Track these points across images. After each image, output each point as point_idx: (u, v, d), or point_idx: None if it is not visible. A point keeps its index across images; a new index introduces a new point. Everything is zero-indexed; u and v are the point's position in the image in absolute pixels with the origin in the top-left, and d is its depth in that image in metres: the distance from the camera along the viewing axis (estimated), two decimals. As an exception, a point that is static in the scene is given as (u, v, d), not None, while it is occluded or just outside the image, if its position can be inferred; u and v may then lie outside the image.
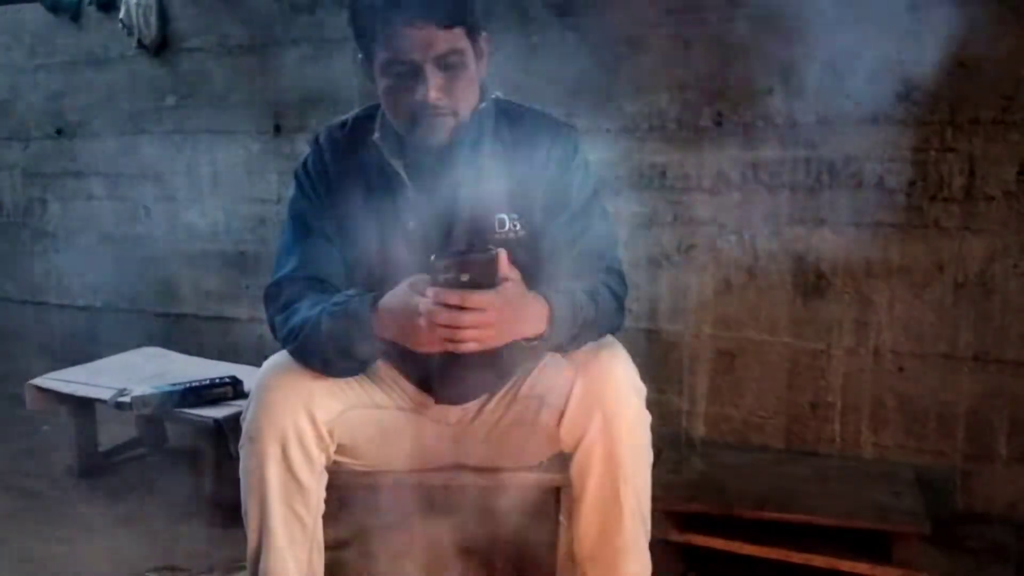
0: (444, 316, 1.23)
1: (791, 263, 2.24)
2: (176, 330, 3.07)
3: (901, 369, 2.17)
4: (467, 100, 1.46)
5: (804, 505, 1.92)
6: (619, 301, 1.51)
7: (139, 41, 3.00)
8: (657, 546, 1.59)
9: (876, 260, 2.17)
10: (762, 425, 2.32)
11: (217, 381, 2.34)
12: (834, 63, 2.16)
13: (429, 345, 1.29)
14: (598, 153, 2.34)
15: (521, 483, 1.73)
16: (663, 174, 2.33)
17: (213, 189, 2.98)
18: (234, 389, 2.32)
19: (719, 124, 2.27)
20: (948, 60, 2.06)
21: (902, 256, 2.15)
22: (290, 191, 1.57)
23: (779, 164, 2.22)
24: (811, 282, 2.23)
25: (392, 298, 1.33)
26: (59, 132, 3.23)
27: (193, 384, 2.32)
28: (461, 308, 1.23)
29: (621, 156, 2.36)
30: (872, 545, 1.82)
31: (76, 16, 3.13)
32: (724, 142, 2.26)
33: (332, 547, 1.62)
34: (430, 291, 1.24)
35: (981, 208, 2.07)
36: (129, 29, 3.00)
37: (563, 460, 1.52)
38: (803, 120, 2.19)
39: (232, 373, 2.40)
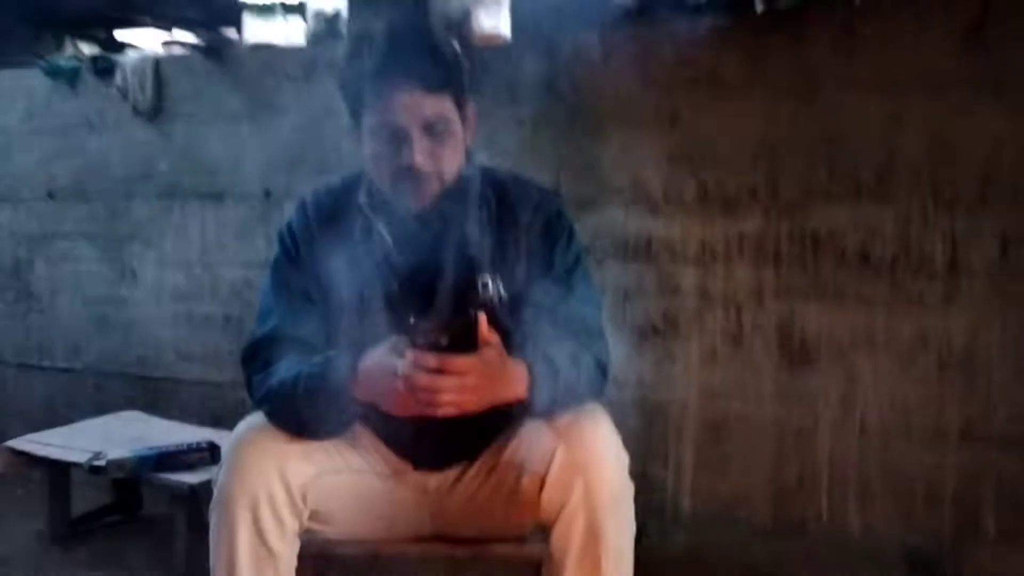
0: (423, 379, 1.21)
1: (776, 335, 2.24)
2: (157, 394, 3.03)
3: (887, 444, 2.15)
4: (452, 165, 1.48)
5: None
6: (602, 367, 1.49)
7: (134, 107, 3.04)
8: (639, 622, 1.55)
9: (861, 334, 2.17)
10: (749, 499, 2.29)
11: (194, 446, 2.31)
12: (817, 139, 2.19)
13: (407, 408, 1.27)
14: (584, 223, 2.36)
15: (501, 555, 1.69)
16: (648, 244, 2.35)
17: (201, 252, 2.98)
18: (212, 454, 2.28)
19: (703, 196, 2.29)
20: (930, 139, 2.10)
21: (887, 330, 2.15)
22: (273, 251, 1.57)
23: (763, 237, 2.24)
24: (796, 354, 2.23)
25: (371, 360, 1.32)
26: (50, 195, 3.24)
27: (170, 449, 2.29)
28: (440, 371, 1.21)
29: (606, 226, 2.38)
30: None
31: (73, 82, 3.17)
32: (708, 214, 2.28)
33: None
34: (409, 354, 1.23)
35: (964, 284, 2.08)
36: (124, 95, 3.04)
37: (545, 532, 1.49)
38: (786, 194, 2.22)
39: (211, 438, 2.36)
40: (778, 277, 2.23)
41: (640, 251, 2.36)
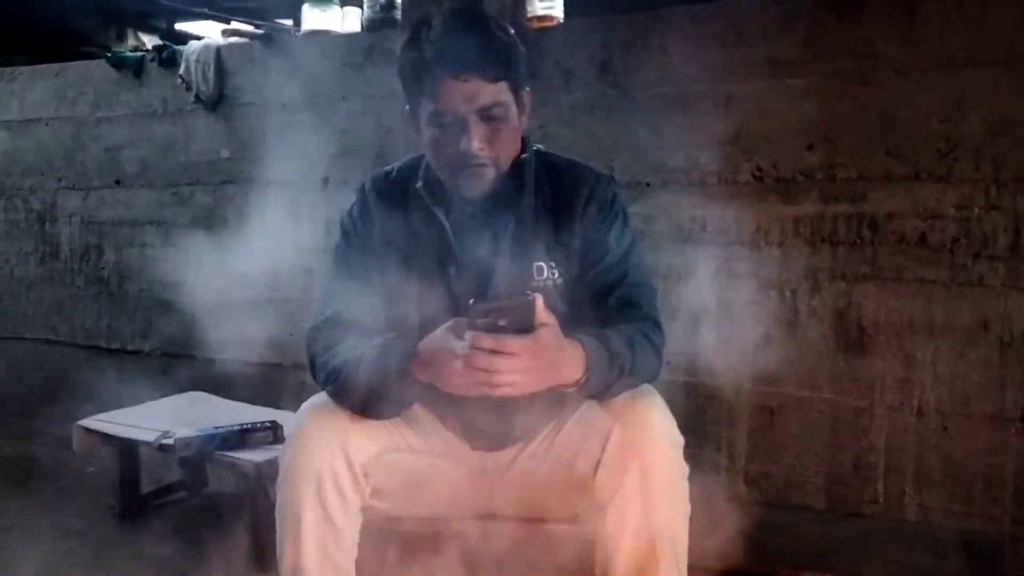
0: (480, 360, 1.24)
1: (832, 319, 2.23)
2: (221, 376, 3.12)
3: (946, 429, 2.13)
4: (508, 151, 1.50)
5: (846, 567, 1.88)
6: (656, 350, 1.50)
7: (197, 96, 3.11)
8: (693, 603, 1.56)
9: (919, 317, 2.14)
10: (803, 483, 2.28)
11: (258, 425, 2.37)
12: (875, 120, 2.16)
13: (465, 389, 1.30)
14: (638, 206, 2.37)
15: (556, 535, 1.72)
16: (702, 228, 2.34)
17: (262, 238, 3.05)
18: (274, 434, 2.35)
19: (759, 179, 2.28)
20: (992, 118, 2.07)
21: (946, 313, 2.12)
22: (335, 237, 1.62)
23: (819, 219, 2.22)
24: (853, 338, 2.21)
25: (430, 341, 1.35)
26: (117, 182, 3.34)
27: (235, 428, 2.36)
28: (497, 352, 1.24)
29: (661, 209, 2.38)
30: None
31: (138, 72, 3.26)
32: (764, 197, 2.27)
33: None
34: (467, 335, 1.26)
35: (1027, 267, 2.05)
36: (188, 84, 3.12)
37: (599, 512, 1.51)
38: (843, 176, 2.19)
39: (273, 418, 2.43)
40: (835, 260, 2.21)
41: (695, 235, 2.36)
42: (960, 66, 2.08)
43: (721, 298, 2.34)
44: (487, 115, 1.43)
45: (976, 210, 2.08)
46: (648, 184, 2.41)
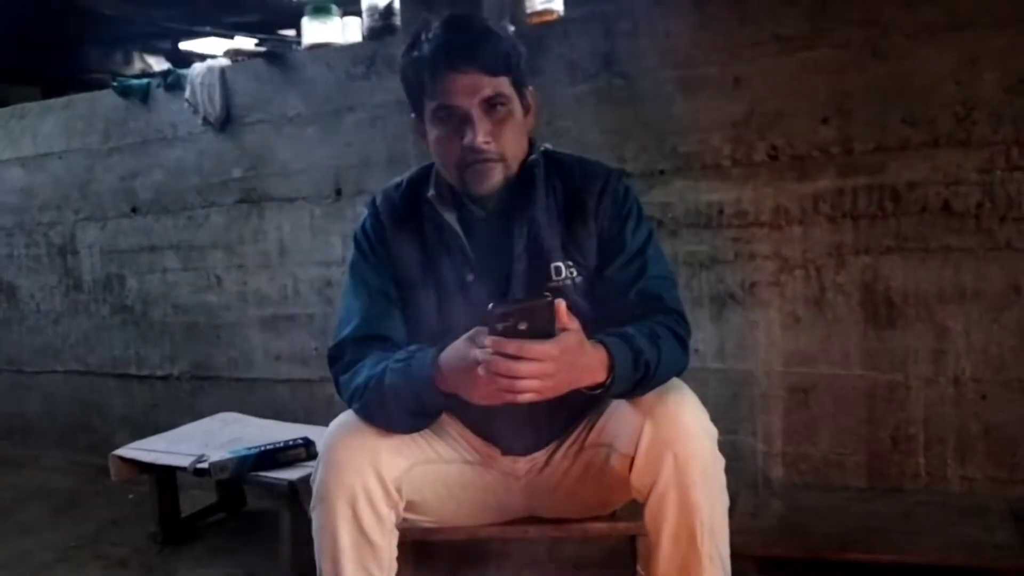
0: (502, 366, 1.23)
1: (860, 294, 2.19)
2: (251, 394, 3.13)
3: (984, 397, 2.09)
4: (515, 148, 1.49)
5: (891, 544, 1.85)
6: (681, 342, 1.49)
7: (204, 118, 3.12)
8: (738, 593, 1.54)
9: (948, 286, 2.11)
10: (842, 462, 2.25)
11: (290, 443, 2.37)
12: (889, 89, 2.12)
13: (489, 396, 1.29)
14: (653, 195, 2.35)
15: (595, 533, 1.71)
16: (720, 212, 2.32)
17: (280, 254, 3.06)
18: (307, 450, 2.35)
19: (774, 158, 2.25)
20: (1009, 78, 2.02)
21: (975, 280, 2.08)
22: (350, 253, 1.61)
23: (839, 194, 2.18)
24: (882, 312, 2.17)
25: (452, 351, 1.34)
26: (134, 210, 3.36)
27: (267, 447, 2.36)
28: (519, 358, 1.23)
29: (677, 196, 2.36)
30: (967, 584, 1.74)
31: (145, 99, 3.28)
32: (780, 175, 2.24)
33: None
34: (488, 341, 1.25)
35: (1056, 226, 2.00)
36: (195, 107, 3.13)
37: (637, 508, 1.50)
38: (860, 148, 2.16)
39: (305, 435, 2.43)
40: (857, 235, 2.18)
41: (713, 219, 2.33)
42: (972, 26, 2.04)
43: (745, 281, 2.31)
44: (491, 109, 1.43)
45: (998, 173, 2.04)
46: (662, 171, 2.38)
